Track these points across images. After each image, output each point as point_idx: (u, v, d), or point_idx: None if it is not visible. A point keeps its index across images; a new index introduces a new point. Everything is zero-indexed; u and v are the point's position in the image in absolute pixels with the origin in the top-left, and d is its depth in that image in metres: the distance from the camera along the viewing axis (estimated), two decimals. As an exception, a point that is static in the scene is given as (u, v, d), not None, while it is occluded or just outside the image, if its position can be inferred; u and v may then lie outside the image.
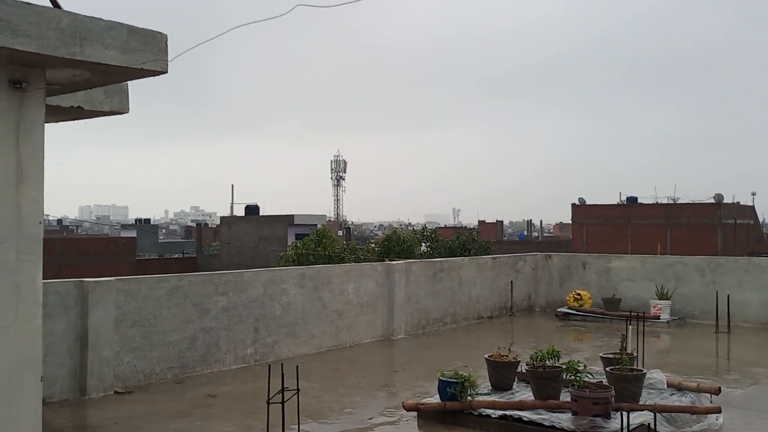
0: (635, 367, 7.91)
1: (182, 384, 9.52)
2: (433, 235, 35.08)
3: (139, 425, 7.76)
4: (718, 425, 7.41)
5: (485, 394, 7.73)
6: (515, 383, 8.12)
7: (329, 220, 67.00)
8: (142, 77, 5.47)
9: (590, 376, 7.34)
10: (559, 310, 16.28)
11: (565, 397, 7.23)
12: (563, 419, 6.85)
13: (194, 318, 10.03)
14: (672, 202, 52.05)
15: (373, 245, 31.80)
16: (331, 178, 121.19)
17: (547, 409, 7.11)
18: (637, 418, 6.83)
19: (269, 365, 6.78)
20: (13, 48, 4.57)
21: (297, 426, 6.62)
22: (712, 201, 48.81)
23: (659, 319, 14.92)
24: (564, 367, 7.42)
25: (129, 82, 6.41)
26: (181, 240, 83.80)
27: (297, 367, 6.64)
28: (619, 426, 6.49)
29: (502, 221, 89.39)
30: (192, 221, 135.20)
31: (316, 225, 35.87)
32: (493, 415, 7.13)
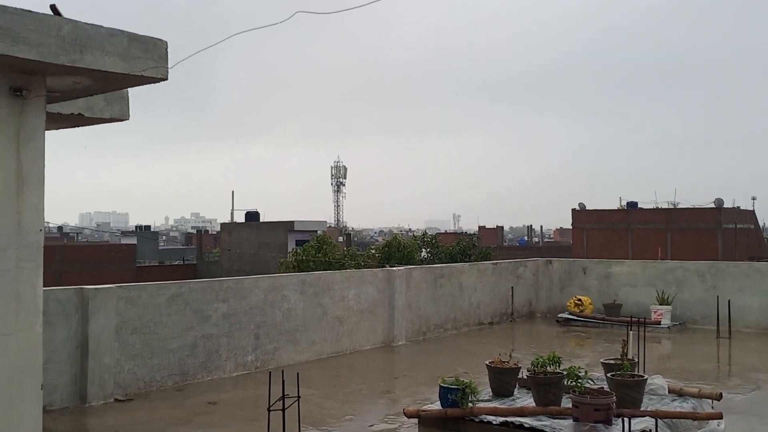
0: (636, 372, 7.88)
1: (183, 391, 9.50)
2: (433, 241, 35.11)
3: (139, 433, 7.74)
4: (719, 431, 7.39)
5: (486, 401, 7.71)
6: (516, 389, 8.10)
7: (329, 227, 67.05)
8: (142, 84, 5.47)
9: (591, 382, 7.33)
10: (559, 315, 16.26)
11: (567, 403, 7.22)
12: (564, 425, 6.84)
13: (195, 325, 10.03)
14: (672, 207, 52.10)
15: (373, 251, 31.84)
16: (332, 184, 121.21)
17: (549, 416, 7.09)
18: (639, 424, 6.81)
19: (270, 372, 6.77)
20: (14, 55, 4.58)
21: (298, 433, 6.61)
22: (713, 206, 48.85)
23: (660, 324, 14.91)
24: (565, 373, 7.40)
25: (129, 89, 6.42)
26: (181, 247, 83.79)
27: (297, 374, 6.64)
28: (621, 432, 6.47)
29: (502, 227, 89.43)
30: (192, 228, 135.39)
31: (316, 231, 35.89)
32: (494, 422, 7.11)
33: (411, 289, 13.86)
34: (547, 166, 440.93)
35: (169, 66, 5.32)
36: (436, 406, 7.58)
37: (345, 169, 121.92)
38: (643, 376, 7.66)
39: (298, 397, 6.34)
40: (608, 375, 7.66)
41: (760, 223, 62.97)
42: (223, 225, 50.47)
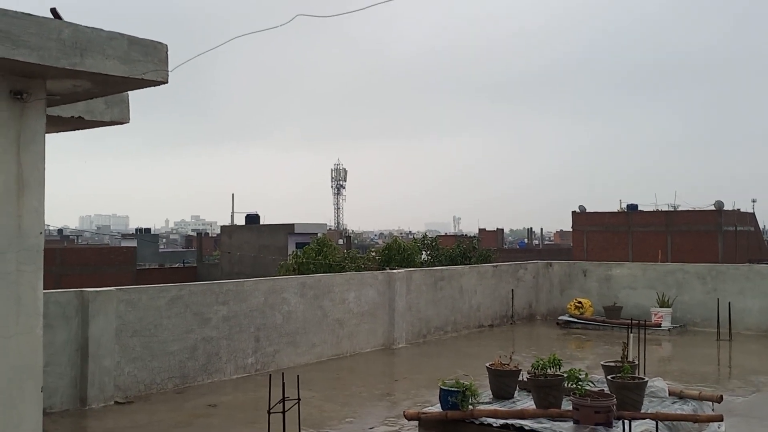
0: (637, 375, 7.88)
1: (183, 394, 9.50)
2: (433, 244, 35.09)
3: (139, 435, 7.74)
4: (720, 433, 7.39)
5: (487, 403, 7.71)
6: (517, 392, 8.10)
7: (330, 229, 66.99)
8: (142, 87, 5.48)
9: (592, 385, 7.33)
10: (560, 318, 16.26)
11: (567, 405, 7.21)
12: (565, 428, 6.84)
13: (195, 328, 10.03)
14: (672, 210, 52.05)
15: (373, 254, 31.82)
16: (332, 186, 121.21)
17: (549, 418, 7.09)
18: (639, 426, 6.81)
19: (270, 375, 6.77)
20: (14, 59, 4.59)
21: (298, 436, 6.60)
22: (713, 208, 48.80)
23: (660, 326, 14.90)
24: (565, 375, 7.41)
25: (130, 92, 6.42)
26: (181, 249, 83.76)
27: (298, 376, 6.63)
28: (621, 434, 6.46)
29: (502, 229, 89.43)
30: (192, 230, 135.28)
31: (316, 234, 35.87)
32: (494, 424, 7.11)
33: (411, 291, 13.86)
34: (547, 166, 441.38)
35: (170, 69, 5.33)
36: (437, 408, 7.58)
37: (345, 171, 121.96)
38: (643, 379, 7.66)
39: (299, 399, 6.34)
40: (609, 377, 7.66)
41: (761, 226, 62.92)
42: (223, 228, 50.49)
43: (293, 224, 42.03)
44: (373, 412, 8.79)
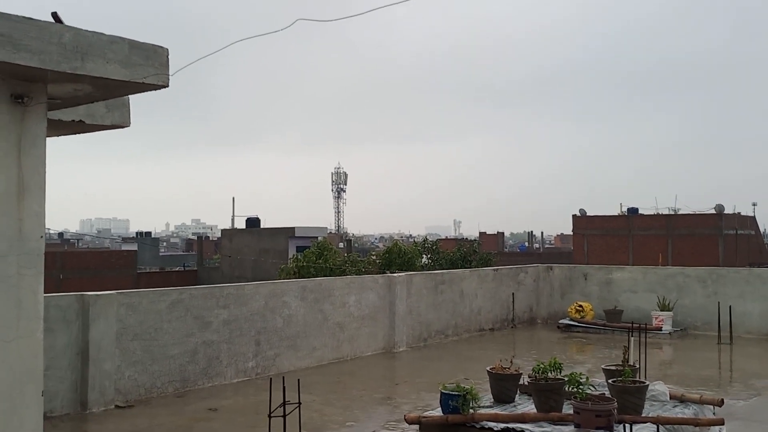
0: (638, 379, 7.87)
1: (183, 398, 9.50)
2: (434, 247, 35.10)
3: (140, 439, 7.74)
4: (721, 437, 7.38)
5: (487, 407, 7.70)
6: (517, 396, 8.08)
7: (330, 233, 67.01)
8: (143, 91, 5.48)
9: (593, 389, 7.32)
10: (560, 321, 16.25)
11: (568, 409, 7.20)
12: (566, 432, 6.83)
13: (195, 331, 10.02)
14: (673, 213, 52.05)
15: (374, 257, 31.81)
16: (332, 190, 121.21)
17: (550, 422, 7.08)
18: (640, 430, 6.80)
19: (270, 378, 6.77)
20: (15, 63, 4.59)
21: (298, 440, 6.60)
22: (713, 212, 48.82)
23: (661, 330, 14.89)
24: (566, 379, 7.40)
25: (130, 96, 6.43)
26: (182, 253, 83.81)
27: (298, 380, 6.63)
28: (622, 438, 6.45)
29: (503, 233, 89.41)
30: (193, 234, 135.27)
31: (317, 237, 35.89)
32: (495, 428, 7.10)
33: (412, 295, 13.85)
34: (548, 168, 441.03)
35: (170, 73, 5.33)
36: (437, 412, 7.57)
37: (345, 175, 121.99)
38: (644, 383, 7.65)
39: (299, 403, 6.34)
40: (609, 381, 7.65)
41: (761, 229, 62.94)
42: (223, 231, 50.51)
43: (294, 228, 42.01)
44: (374, 416, 8.79)
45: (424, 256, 33.55)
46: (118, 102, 6.48)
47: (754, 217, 55.61)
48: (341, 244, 51.85)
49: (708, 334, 14.96)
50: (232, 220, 59.16)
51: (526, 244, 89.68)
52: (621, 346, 9.35)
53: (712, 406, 8.03)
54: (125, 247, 64.70)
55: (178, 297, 9.90)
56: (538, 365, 7.66)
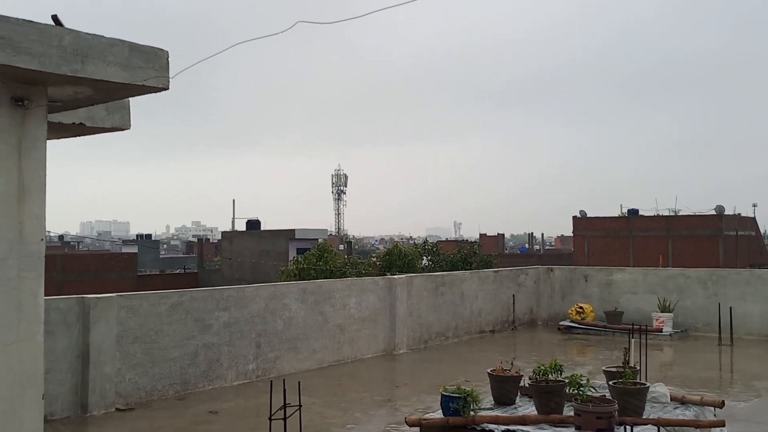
0: (638, 380, 7.87)
1: (184, 400, 9.49)
2: (434, 249, 35.09)
3: (140, 442, 7.73)
4: (722, 439, 7.37)
5: (488, 409, 7.70)
6: (518, 397, 8.08)
7: (330, 235, 67.05)
8: (143, 94, 5.48)
9: (593, 390, 7.31)
10: (561, 323, 16.24)
11: (569, 411, 7.20)
12: (567, 434, 6.82)
13: (196, 334, 10.02)
14: (673, 214, 52.05)
15: (374, 259, 31.81)
16: (332, 192, 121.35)
17: (550, 424, 7.08)
18: (641, 432, 6.80)
19: (271, 381, 6.77)
20: (15, 65, 4.59)
21: (299, 442, 6.59)
22: (714, 213, 48.82)
23: (662, 332, 14.89)
24: (567, 381, 7.39)
25: (131, 99, 6.43)
26: (182, 255, 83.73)
27: (299, 382, 6.63)
28: (623, 440, 6.45)
29: (503, 234, 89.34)
30: (193, 236, 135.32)
31: (317, 239, 35.89)
32: (496, 430, 7.10)
33: (412, 297, 13.85)
34: (548, 168, 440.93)
35: (171, 76, 5.34)
36: (438, 414, 7.57)
37: (345, 177, 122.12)
38: (645, 384, 7.65)
39: (300, 406, 6.34)
40: (610, 383, 7.65)
41: (761, 230, 62.93)
42: (224, 233, 50.47)
43: (294, 230, 41.98)
44: (375, 419, 8.78)
45: (425, 257, 33.56)
46: (118, 104, 6.48)
47: (754, 218, 55.61)
48: (341, 246, 51.83)
49: (708, 335, 14.96)
50: (233, 222, 59.19)
51: (527, 245, 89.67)
52: (621, 347, 9.34)
53: (713, 408, 8.02)
54: (125, 250, 64.64)
55: (179, 299, 9.90)
56: (539, 367, 7.65)
